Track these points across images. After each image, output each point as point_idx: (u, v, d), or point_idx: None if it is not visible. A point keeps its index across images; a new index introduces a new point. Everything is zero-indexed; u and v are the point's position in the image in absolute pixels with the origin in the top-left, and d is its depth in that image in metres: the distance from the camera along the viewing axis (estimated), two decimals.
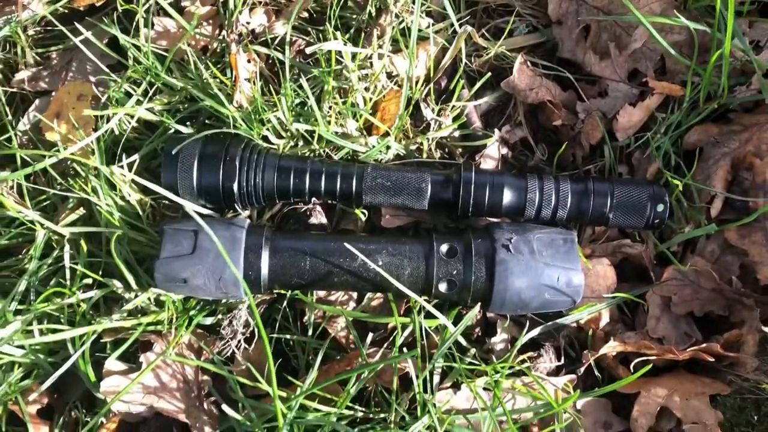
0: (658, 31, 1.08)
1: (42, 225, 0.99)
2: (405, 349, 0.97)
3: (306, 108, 1.06)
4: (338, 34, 1.07)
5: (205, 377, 0.99)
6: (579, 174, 1.11)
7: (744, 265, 1.02)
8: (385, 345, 0.99)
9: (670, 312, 1.02)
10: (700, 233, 1.01)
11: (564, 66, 1.15)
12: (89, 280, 0.98)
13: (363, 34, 1.13)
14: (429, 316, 0.94)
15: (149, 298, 0.98)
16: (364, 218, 1.05)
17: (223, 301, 1.00)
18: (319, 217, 1.05)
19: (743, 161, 1.04)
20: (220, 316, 1.01)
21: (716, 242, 1.04)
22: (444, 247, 0.94)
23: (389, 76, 1.12)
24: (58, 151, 0.99)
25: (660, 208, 0.99)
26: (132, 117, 1.05)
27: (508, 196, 0.99)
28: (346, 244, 0.93)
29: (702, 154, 1.07)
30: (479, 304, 0.94)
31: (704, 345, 0.96)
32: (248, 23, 1.15)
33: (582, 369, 0.99)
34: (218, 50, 1.16)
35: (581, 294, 0.93)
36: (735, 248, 1.02)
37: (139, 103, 1.07)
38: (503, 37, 1.14)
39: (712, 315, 1.02)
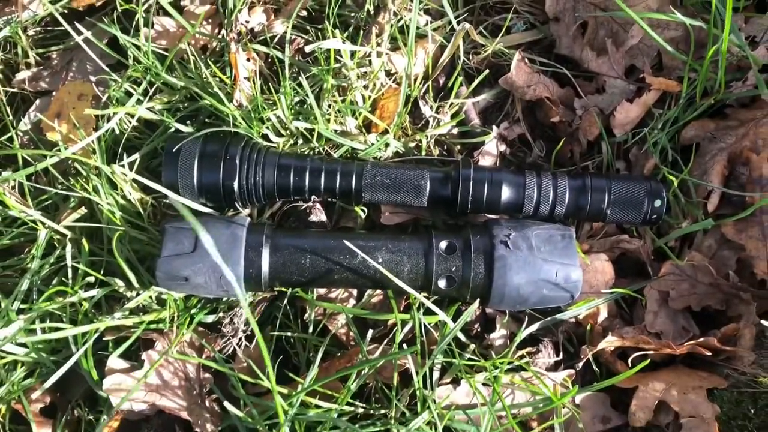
0: (654, 27, 1.08)
1: (44, 224, 1.00)
2: (405, 346, 0.98)
3: (305, 106, 1.07)
4: (337, 32, 1.08)
5: (207, 375, 1.00)
6: (577, 170, 1.11)
7: (741, 259, 1.02)
8: (385, 341, 1.00)
9: (668, 307, 1.02)
10: (698, 228, 1.02)
11: (561, 62, 1.15)
12: (91, 279, 0.98)
13: (362, 32, 1.13)
14: (428, 312, 0.95)
15: (151, 297, 0.99)
16: (363, 215, 1.06)
17: (224, 299, 1.01)
18: (319, 215, 1.06)
19: (740, 156, 1.05)
20: (221, 314, 1.02)
21: (713, 237, 1.04)
22: (443, 244, 0.95)
23: (388, 74, 1.13)
24: (59, 150, 1.00)
25: (657, 203, 0.99)
26: (132, 116, 1.06)
27: (506, 193, 0.99)
28: (345, 242, 0.94)
29: (699, 149, 1.08)
30: (478, 300, 0.95)
31: (701, 339, 0.97)
32: (247, 22, 1.15)
33: (580, 364, 1.00)
34: (218, 49, 1.17)
35: (579, 289, 0.93)
36: (732, 243, 1.03)
37: (139, 102, 1.07)
38: (501, 35, 1.15)
39: (709, 309, 1.03)
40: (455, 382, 0.96)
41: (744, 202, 1.02)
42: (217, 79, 1.07)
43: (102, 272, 0.98)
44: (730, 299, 1.01)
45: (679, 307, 1.02)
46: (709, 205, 1.03)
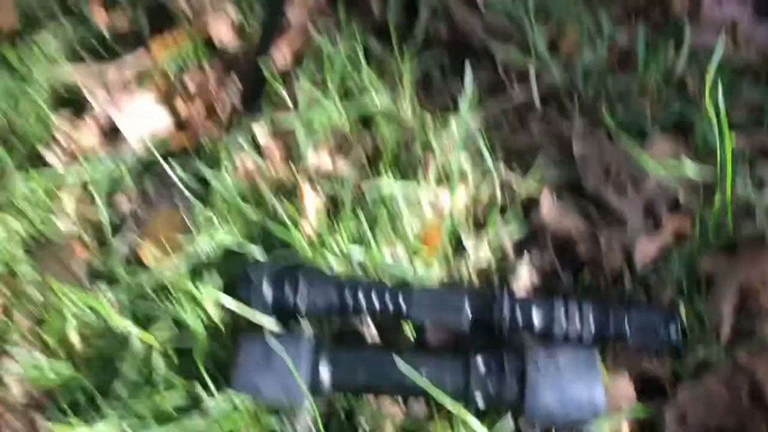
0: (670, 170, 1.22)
1: (138, 337, 1.16)
2: None
3: (361, 235, 1.23)
4: (390, 174, 1.25)
5: None
6: (601, 299, 1.20)
7: (754, 383, 1.11)
8: None
9: (686, 425, 1.11)
10: (712, 355, 1.12)
11: (587, 200, 1.28)
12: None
13: (411, 171, 1.30)
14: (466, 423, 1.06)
15: (225, 402, 1.12)
16: (410, 334, 1.18)
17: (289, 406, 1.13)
18: (371, 332, 1.19)
19: (751, 289, 1.15)
20: (283, 418, 1.13)
21: (727, 363, 1.14)
22: (481, 364, 1.06)
23: (433, 207, 1.28)
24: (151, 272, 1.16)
25: (673, 331, 1.09)
26: (215, 241, 1.23)
27: (537, 318, 1.11)
28: (394, 357, 1.06)
29: (713, 282, 1.17)
30: (510, 414, 1.06)
31: None
32: (314, 162, 1.34)
33: None
34: (288, 185, 1.35)
35: (603, 408, 1.02)
36: (745, 368, 1.11)
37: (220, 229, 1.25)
38: (531, 173, 1.30)
39: (726, 430, 1.10)
40: None
41: (755, 331, 1.13)
42: (287, 212, 1.24)
43: (183, 376, 1.13)
44: (745, 420, 1.10)
45: (696, 427, 1.10)
46: (722, 334, 1.13)
